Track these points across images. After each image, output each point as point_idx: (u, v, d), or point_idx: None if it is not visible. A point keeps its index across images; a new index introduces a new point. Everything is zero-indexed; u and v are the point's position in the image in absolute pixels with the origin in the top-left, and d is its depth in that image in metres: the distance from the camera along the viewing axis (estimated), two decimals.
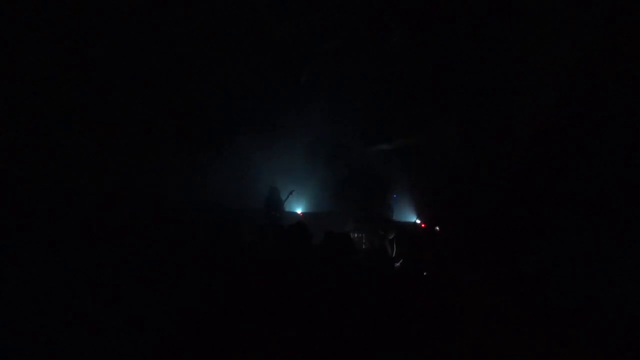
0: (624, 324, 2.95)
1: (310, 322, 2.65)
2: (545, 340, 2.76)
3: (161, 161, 7.68)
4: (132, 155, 7.31)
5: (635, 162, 3.94)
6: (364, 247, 7.36)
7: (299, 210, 9.21)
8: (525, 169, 5.64)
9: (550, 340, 2.76)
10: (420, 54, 7.18)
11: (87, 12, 6.07)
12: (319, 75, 7.84)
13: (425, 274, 4.39)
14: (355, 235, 7.62)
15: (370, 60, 7.49)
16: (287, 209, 8.54)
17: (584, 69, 4.67)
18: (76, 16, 6.06)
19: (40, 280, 3.01)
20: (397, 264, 5.36)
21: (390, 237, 7.08)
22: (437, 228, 7.21)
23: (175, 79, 7.54)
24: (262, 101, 8.58)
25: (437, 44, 6.92)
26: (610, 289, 3.45)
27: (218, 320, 2.69)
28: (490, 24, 6.30)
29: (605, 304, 3.30)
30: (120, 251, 3.80)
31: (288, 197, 8.28)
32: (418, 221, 8.57)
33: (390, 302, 2.99)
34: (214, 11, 5.93)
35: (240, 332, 2.58)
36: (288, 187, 8.56)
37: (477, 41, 6.45)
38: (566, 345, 2.71)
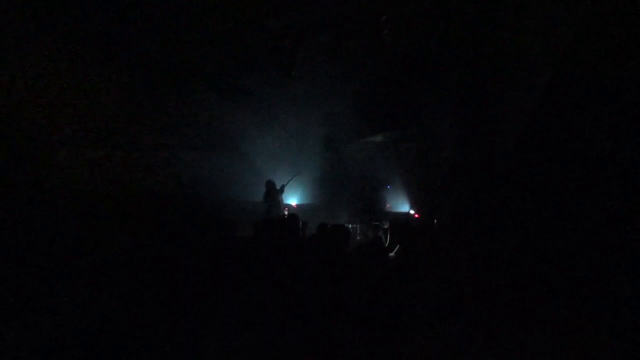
0: (625, 323, 2.93)
1: (303, 316, 2.63)
2: (544, 337, 2.74)
3: (157, 156, 7.63)
4: (128, 152, 7.24)
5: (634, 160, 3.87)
6: (358, 238, 7.36)
7: (293, 202, 9.20)
8: (521, 160, 5.60)
9: (549, 337, 2.74)
10: (414, 46, 7.13)
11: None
12: (314, 69, 7.79)
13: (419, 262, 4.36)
14: (350, 226, 7.62)
15: (364, 52, 7.43)
16: (287, 192, 8.46)
17: (578, 63, 4.60)
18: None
19: (36, 279, 2.97)
20: (392, 254, 5.35)
21: (385, 227, 7.08)
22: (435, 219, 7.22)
23: (170, 73, 7.44)
24: (258, 95, 8.50)
25: (431, 36, 6.86)
26: (610, 287, 3.41)
27: (212, 316, 2.67)
28: (483, 16, 6.23)
29: (605, 301, 3.26)
30: (115, 247, 3.76)
31: (289, 181, 8.23)
32: (412, 211, 8.59)
33: (387, 294, 2.97)
34: (209, 5, 5.85)
35: (234, 327, 2.56)
36: (284, 179, 8.52)
37: (470, 34, 6.38)
38: (565, 342, 2.69)
